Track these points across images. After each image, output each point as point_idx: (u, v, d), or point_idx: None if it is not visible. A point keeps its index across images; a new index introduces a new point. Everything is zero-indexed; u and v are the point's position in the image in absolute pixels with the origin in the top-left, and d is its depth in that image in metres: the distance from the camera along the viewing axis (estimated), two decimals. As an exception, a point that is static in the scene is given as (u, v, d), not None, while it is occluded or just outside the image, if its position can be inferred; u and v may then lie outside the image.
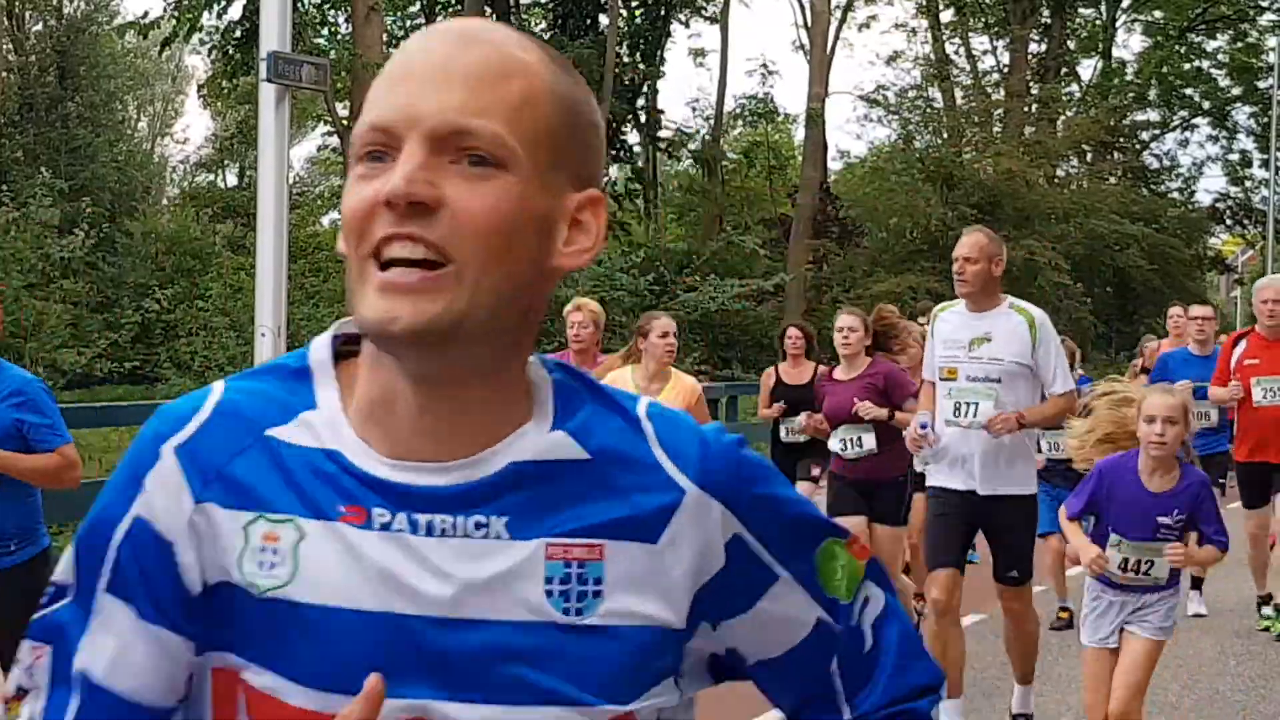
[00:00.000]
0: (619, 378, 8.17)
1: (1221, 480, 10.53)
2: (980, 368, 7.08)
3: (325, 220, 45.73)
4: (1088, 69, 44.60)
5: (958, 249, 7.23)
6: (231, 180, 50.59)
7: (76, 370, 21.52)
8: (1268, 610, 10.04)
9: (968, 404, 7.08)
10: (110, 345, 22.27)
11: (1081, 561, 6.24)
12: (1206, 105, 45.02)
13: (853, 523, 8.40)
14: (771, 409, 10.75)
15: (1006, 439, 7.03)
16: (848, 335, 8.89)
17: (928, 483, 7.47)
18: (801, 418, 9.77)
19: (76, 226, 25.19)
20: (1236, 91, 44.70)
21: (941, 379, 7.20)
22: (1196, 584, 10.92)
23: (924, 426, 7.16)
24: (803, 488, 10.10)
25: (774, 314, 32.69)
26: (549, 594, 1.40)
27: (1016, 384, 7.07)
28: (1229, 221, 47.08)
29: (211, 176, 52.67)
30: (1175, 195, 45.03)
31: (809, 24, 37.13)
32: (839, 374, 9.03)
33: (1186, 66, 44.51)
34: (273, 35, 9.20)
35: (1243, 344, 9.94)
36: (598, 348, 8.89)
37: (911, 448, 7.37)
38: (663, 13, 35.63)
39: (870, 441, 8.76)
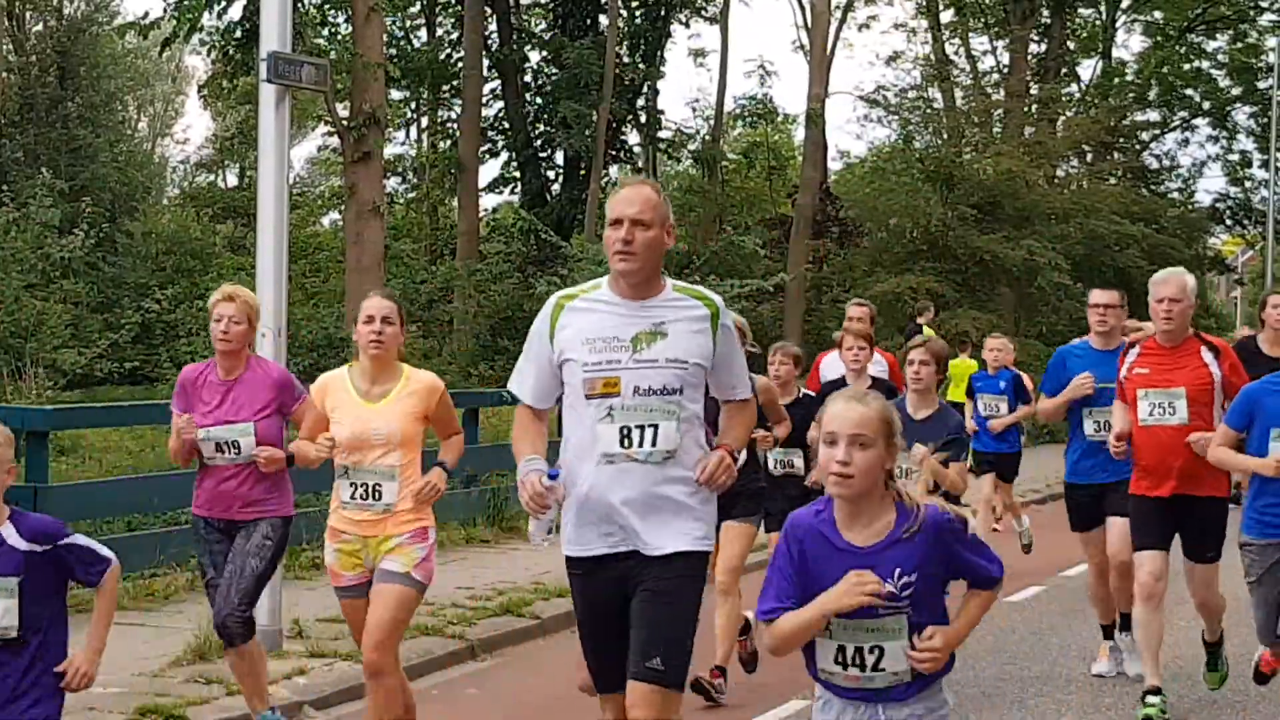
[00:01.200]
0: (334, 378, 6.88)
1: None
2: (656, 376, 5.10)
3: (325, 220, 45.76)
4: (1088, 69, 44.62)
5: (619, 207, 5.15)
6: (232, 180, 50.64)
7: (77, 370, 21.52)
8: (1153, 699, 8.07)
9: (640, 428, 5.07)
10: (110, 345, 22.27)
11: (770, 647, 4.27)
12: (1206, 105, 45.00)
13: None
14: None
15: (677, 473, 5.12)
16: None
17: (565, 551, 5.30)
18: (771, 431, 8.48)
19: (77, 227, 25.17)
20: (1236, 92, 44.68)
21: (593, 395, 5.12)
22: (1126, 624, 9.10)
23: (553, 476, 5.05)
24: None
25: (774, 314, 32.72)
26: None
27: (696, 396, 5.24)
28: (1229, 222, 47.08)
29: (211, 177, 52.72)
30: (1175, 195, 45.01)
31: (809, 24, 37.11)
32: None
33: (1186, 67, 44.48)
34: (273, 35, 9.21)
35: (1136, 350, 8.30)
36: (250, 350, 7.38)
37: (533, 507, 5.08)
38: (663, 13, 35.60)
39: None
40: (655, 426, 5.08)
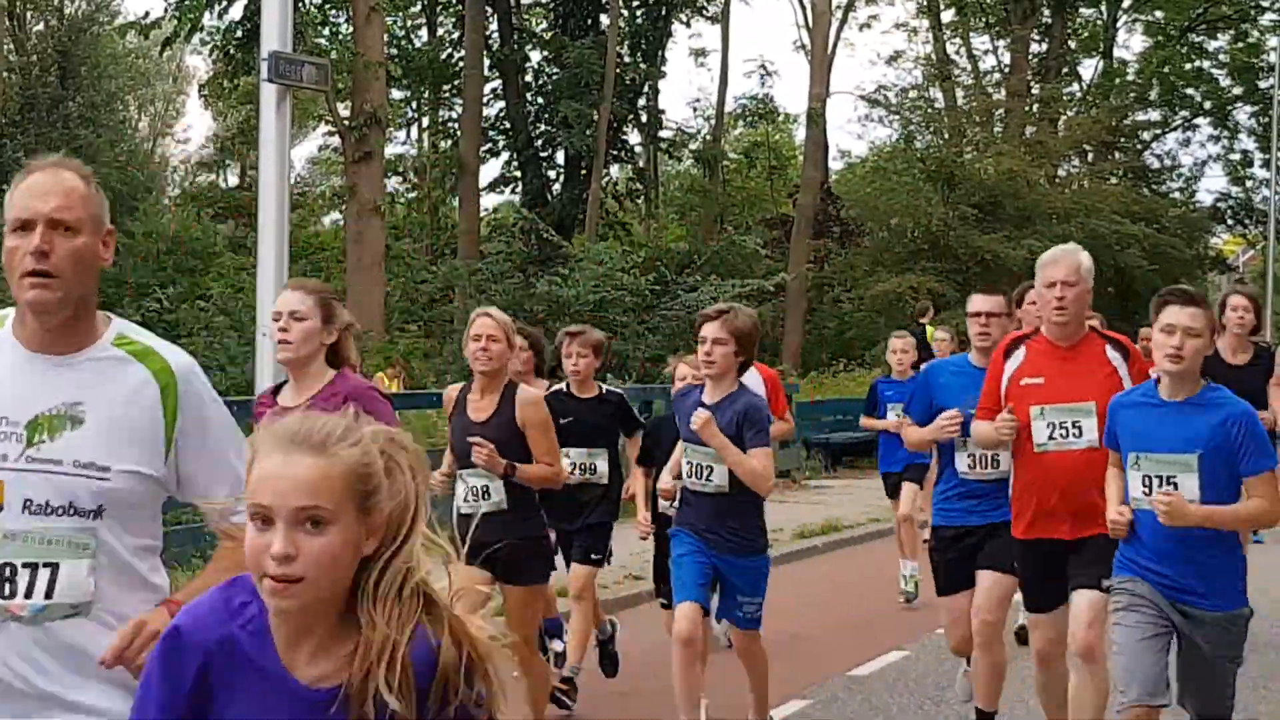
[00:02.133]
0: None
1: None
2: (58, 486, 3.10)
3: (326, 220, 45.81)
4: (1089, 69, 44.63)
5: (27, 201, 3.15)
6: (232, 180, 50.63)
7: (77, 370, 21.54)
8: None
9: (31, 568, 3.08)
10: (111, 345, 22.31)
11: None
12: (1207, 105, 45.00)
13: None
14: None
15: (96, 640, 3.09)
16: (287, 324, 5.42)
17: None
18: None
19: (77, 226, 25.14)
20: (1237, 91, 44.69)
21: None
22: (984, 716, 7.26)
23: None
24: None
25: (775, 314, 32.74)
26: None
27: (142, 520, 3.21)
28: (1230, 221, 47.08)
29: (212, 176, 52.71)
30: (1176, 195, 45.01)
31: (810, 24, 37.15)
32: (286, 395, 5.50)
33: (1187, 66, 44.49)
34: (273, 35, 9.22)
35: (1020, 352, 6.37)
36: None
37: None
38: (663, 12, 35.62)
39: None
40: (53, 567, 3.08)
